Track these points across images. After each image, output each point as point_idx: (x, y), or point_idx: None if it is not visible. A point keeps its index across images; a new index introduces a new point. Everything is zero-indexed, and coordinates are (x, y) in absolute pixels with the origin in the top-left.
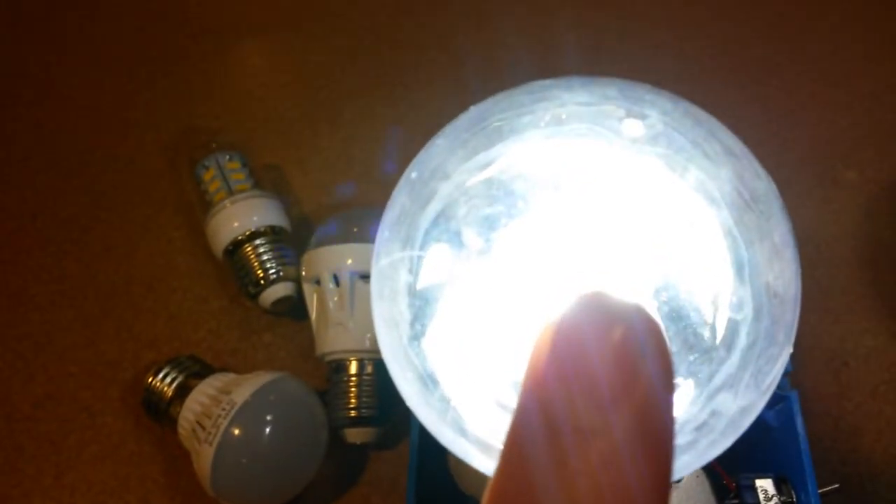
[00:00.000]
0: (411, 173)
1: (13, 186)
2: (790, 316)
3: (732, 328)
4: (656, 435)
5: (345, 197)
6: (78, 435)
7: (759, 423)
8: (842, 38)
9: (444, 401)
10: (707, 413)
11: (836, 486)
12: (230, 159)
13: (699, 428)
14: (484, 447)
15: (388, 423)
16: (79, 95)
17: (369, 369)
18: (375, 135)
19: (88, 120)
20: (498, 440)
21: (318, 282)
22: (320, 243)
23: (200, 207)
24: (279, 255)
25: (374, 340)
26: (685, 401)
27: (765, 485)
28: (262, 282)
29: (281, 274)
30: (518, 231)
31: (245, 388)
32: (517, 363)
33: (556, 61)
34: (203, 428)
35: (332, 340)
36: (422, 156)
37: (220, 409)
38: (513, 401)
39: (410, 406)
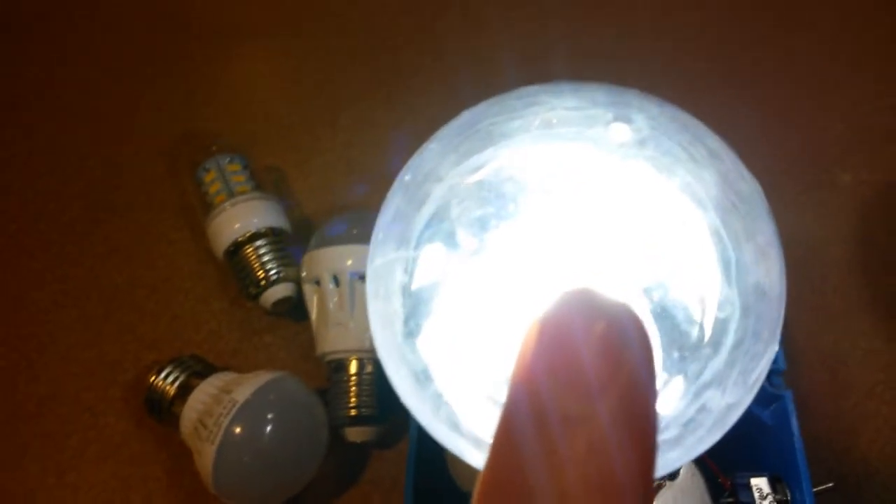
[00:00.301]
0: (405, 176)
1: (15, 190)
2: (775, 314)
3: (720, 326)
4: (640, 423)
5: (344, 198)
6: (80, 435)
7: (754, 422)
8: (836, 41)
9: (438, 397)
10: (695, 409)
11: (831, 484)
12: (231, 161)
13: (687, 424)
14: (477, 443)
15: (388, 421)
16: (80, 99)
17: (369, 368)
18: (374, 137)
19: (90, 123)
20: (491, 435)
21: (318, 282)
22: (320, 244)
23: (201, 210)
24: (280, 256)
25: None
26: (674, 396)
27: (760, 483)
28: (262, 283)
29: (281, 275)
30: (509, 232)
31: (246, 386)
32: (509, 359)
33: (550, 66)
34: (205, 427)
35: (333, 340)
36: (415, 159)
37: (221, 407)
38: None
39: (405, 403)
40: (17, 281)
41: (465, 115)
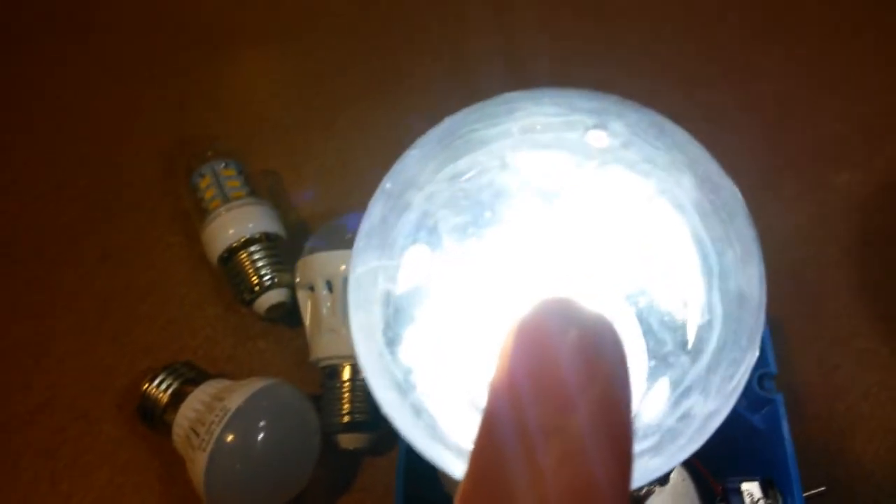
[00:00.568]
0: (386, 184)
1: (10, 194)
2: (755, 321)
3: (702, 331)
4: (615, 431)
5: (340, 203)
6: (74, 442)
7: (745, 426)
8: (832, 42)
9: (419, 407)
10: (678, 415)
11: (823, 489)
12: (226, 167)
13: (670, 430)
14: (459, 452)
15: (382, 428)
16: (75, 104)
17: (362, 375)
18: (370, 142)
19: (85, 128)
20: (471, 445)
21: (311, 288)
22: (314, 250)
23: (196, 215)
24: (274, 261)
25: None
26: (658, 402)
27: (751, 488)
28: (256, 288)
29: (275, 280)
30: (489, 239)
31: (238, 394)
32: (489, 366)
33: (544, 70)
34: (197, 434)
35: (326, 346)
36: (396, 166)
37: (213, 415)
38: None
39: (386, 413)
40: (12, 286)
41: (446, 122)
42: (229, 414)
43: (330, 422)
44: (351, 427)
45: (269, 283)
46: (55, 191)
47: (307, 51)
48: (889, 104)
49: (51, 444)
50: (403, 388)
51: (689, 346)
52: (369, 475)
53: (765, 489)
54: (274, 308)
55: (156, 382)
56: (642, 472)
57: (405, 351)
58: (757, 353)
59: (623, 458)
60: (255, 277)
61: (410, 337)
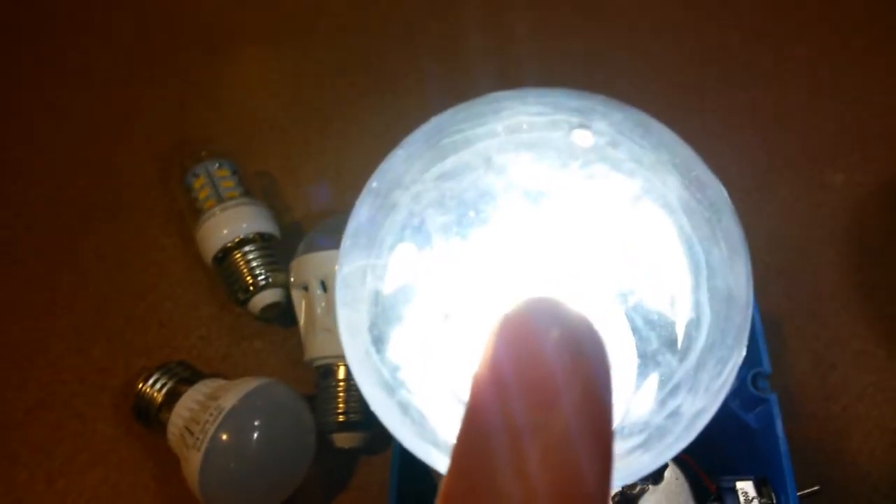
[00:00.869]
0: (372, 183)
1: (7, 197)
2: (742, 319)
3: (690, 330)
4: (596, 429)
5: (334, 204)
6: (70, 441)
7: (740, 425)
8: (828, 43)
9: (406, 404)
10: (667, 413)
11: (817, 488)
12: (220, 167)
13: (658, 428)
14: (446, 449)
15: (376, 427)
16: (72, 105)
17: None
18: (365, 142)
19: (81, 129)
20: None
21: (305, 288)
22: (308, 249)
23: (190, 215)
24: (268, 261)
25: None
26: (645, 400)
27: (745, 487)
28: (250, 288)
29: (270, 280)
30: (475, 239)
31: (233, 393)
32: (473, 363)
33: (539, 70)
34: (191, 433)
35: (320, 346)
36: (383, 166)
37: (207, 414)
38: None
39: (374, 411)
40: (9, 287)
41: (433, 122)
42: (224, 413)
43: (325, 421)
44: (346, 426)
45: (263, 282)
46: (54, 191)
47: (305, 52)
48: (885, 105)
49: (47, 442)
50: (391, 385)
51: (677, 344)
52: (364, 474)
53: (759, 488)
54: (268, 308)
55: (150, 382)
56: (632, 470)
57: (392, 349)
58: (744, 352)
59: (605, 456)
60: (249, 277)
61: (397, 335)
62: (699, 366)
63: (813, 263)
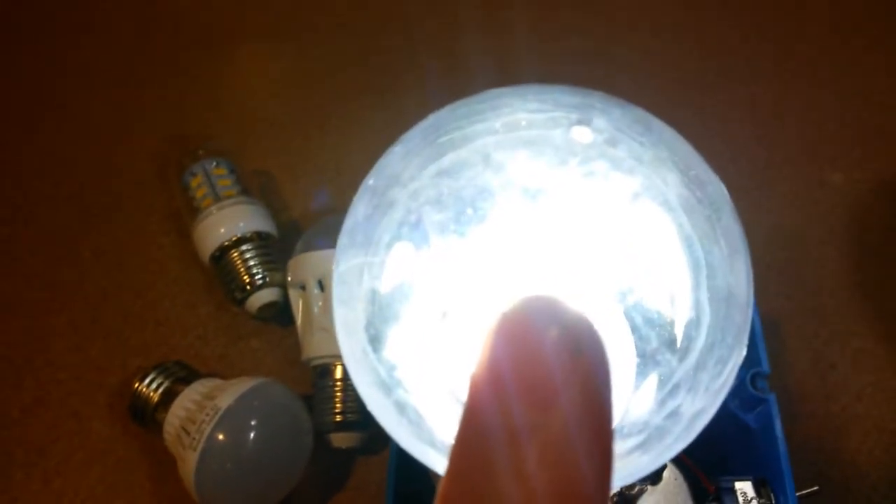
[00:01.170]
0: (369, 180)
1: (5, 194)
2: (741, 318)
3: (690, 329)
4: (595, 429)
5: (333, 203)
6: (66, 441)
7: (739, 425)
8: (828, 40)
9: (403, 404)
10: (666, 413)
11: (816, 488)
12: (217, 166)
13: (658, 428)
14: (443, 449)
15: (374, 427)
16: (70, 103)
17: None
18: (364, 140)
19: (79, 127)
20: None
21: (303, 287)
22: (306, 249)
23: (188, 214)
24: (265, 260)
25: None
26: (645, 400)
27: (744, 487)
28: (248, 287)
29: (267, 279)
30: (473, 237)
31: (229, 393)
32: (471, 363)
33: (536, 67)
34: (187, 433)
35: (318, 345)
36: (380, 163)
37: (204, 414)
38: None
39: (371, 410)
40: (6, 285)
41: (431, 119)
42: (220, 413)
43: (322, 421)
44: (343, 426)
45: (260, 282)
46: (52, 189)
47: (303, 50)
48: (883, 102)
49: (43, 442)
50: (387, 385)
51: (677, 344)
52: (362, 473)
53: (758, 488)
54: (265, 307)
55: (146, 381)
56: (631, 470)
57: (389, 348)
58: (744, 352)
59: (604, 456)
60: (246, 276)
61: (394, 334)
62: (699, 366)
63: (812, 261)
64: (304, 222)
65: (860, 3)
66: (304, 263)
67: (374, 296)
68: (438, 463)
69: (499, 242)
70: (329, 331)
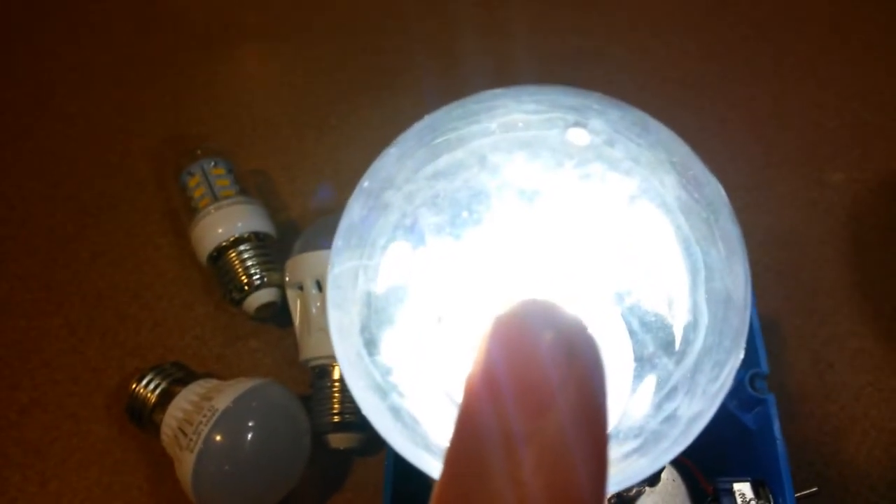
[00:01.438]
0: (364, 182)
1: (1, 194)
2: (739, 320)
3: (687, 332)
4: (588, 433)
5: (331, 202)
6: (63, 442)
7: (737, 426)
8: (828, 41)
9: (397, 408)
10: (663, 417)
11: (815, 489)
12: (215, 166)
13: (655, 432)
14: (437, 454)
15: (371, 428)
16: (67, 103)
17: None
18: (362, 140)
19: (76, 127)
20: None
21: (301, 287)
22: (304, 249)
23: (185, 214)
24: (263, 260)
25: None
26: (642, 403)
27: (742, 488)
28: (245, 288)
29: (265, 280)
30: (469, 239)
31: (227, 394)
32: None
33: (542, 65)
34: (185, 434)
35: (315, 346)
36: (375, 165)
37: (201, 415)
38: None
39: (365, 414)
40: (2, 286)
41: (426, 120)
42: (217, 414)
43: (320, 422)
44: (341, 427)
45: (258, 282)
46: (49, 189)
47: (301, 49)
48: (883, 102)
49: (40, 443)
50: (383, 388)
51: (675, 346)
52: (360, 474)
53: (756, 490)
54: (263, 308)
55: (144, 382)
56: (629, 473)
57: (384, 352)
58: (742, 355)
59: (600, 458)
60: (244, 277)
61: (389, 338)
62: (696, 368)
63: (811, 261)
64: (302, 222)
65: (860, 2)
66: (302, 264)
67: (368, 299)
68: (434, 467)
69: (495, 245)
70: (327, 331)
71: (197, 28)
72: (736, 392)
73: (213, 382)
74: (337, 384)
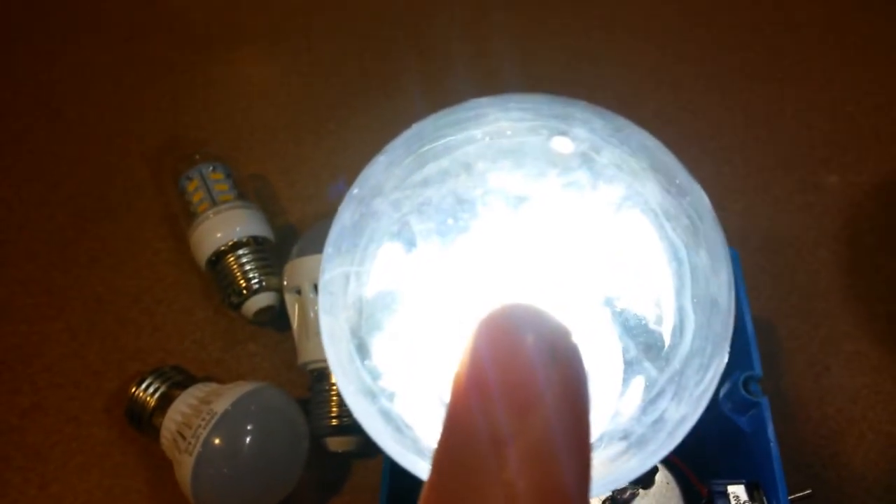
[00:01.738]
0: (353, 190)
1: (1, 197)
2: (722, 326)
3: (674, 336)
4: (573, 431)
5: (329, 206)
6: (64, 445)
7: (732, 429)
8: (822, 43)
9: (388, 412)
10: (650, 420)
11: (809, 491)
12: (214, 170)
13: (642, 435)
14: (428, 457)
15: None
16: (65, 107)
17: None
18: (360, 144)
19: (75, 131)
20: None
21: (299, 291)
22: (302, 253)
23: (184, 218)
24: (262, 265)
25: None
26: (629, 406)
27: (737, 491)
28: (244, 292)
29: (263, 284)
30: (456, 246)
31: (225, 398)
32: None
33: (537, 69)
34: (184, 438)
35: (314, 350)
36: (364, 173)
37: (200, 419)
38: None
39: (357, 418)
40: (2, 290)
41: (414, 128)
42: (216, 417)
43: (318, 425)
44: (339, 430)
45: (256, 286)
46: (48, 193)
47: (298, 53)
48: (878, 104)
49: (40, 446)
50: (374, 393)
51: (661, 350)
52: (358, 477)
53: (751, 492)
54: (262, 311)
55: (143, 386)
56: (618, 475)
57: (375, 356)
58: (726, 358)
59: (584, 456)
60: (242, 281)
61: (379, 343)
62: (683, 372)
63: (805, 264)
64: (301, 227)
65: (854, 5)
66: (300, 268)
67: (359, 304)
68: (424, 469)
69: (482, 252)
70: None
71: (196, 32)
72: (730, 395)
73: (212, 386)
74: (335, 387)
